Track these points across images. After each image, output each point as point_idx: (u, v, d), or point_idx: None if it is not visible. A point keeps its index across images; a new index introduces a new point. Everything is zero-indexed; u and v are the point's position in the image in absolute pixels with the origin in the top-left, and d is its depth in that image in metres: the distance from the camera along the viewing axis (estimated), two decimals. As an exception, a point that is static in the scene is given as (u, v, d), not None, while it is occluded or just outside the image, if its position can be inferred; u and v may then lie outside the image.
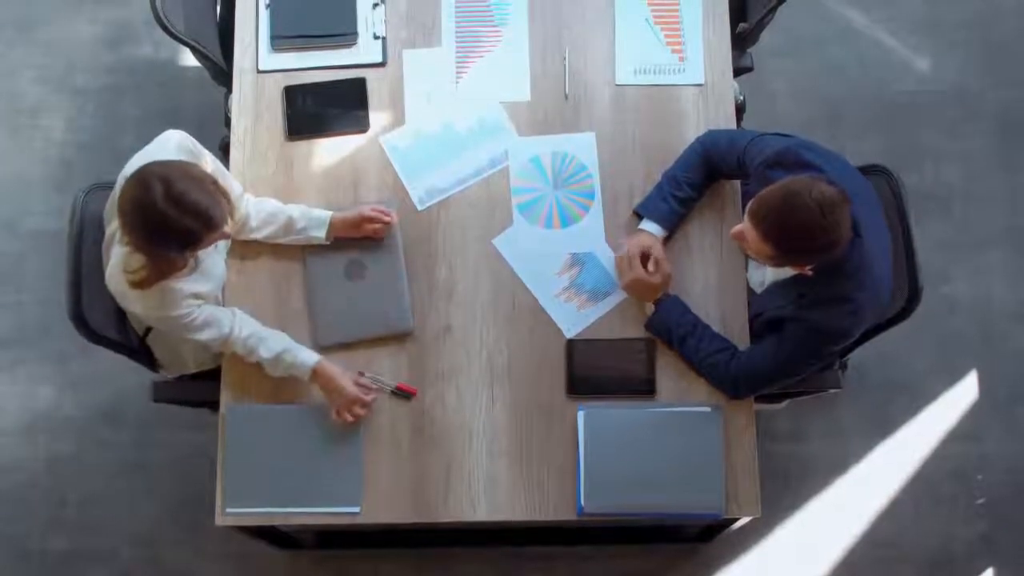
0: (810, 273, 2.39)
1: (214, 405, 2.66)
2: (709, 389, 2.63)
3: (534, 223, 2.76)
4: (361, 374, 2.61)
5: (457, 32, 2.90)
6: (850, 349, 2.65)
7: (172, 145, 2.44)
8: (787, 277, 2.50)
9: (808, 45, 3.78)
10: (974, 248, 3.58)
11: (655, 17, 2.91)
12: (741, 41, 3.01)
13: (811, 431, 3.42)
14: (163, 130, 2.50)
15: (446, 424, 2.63)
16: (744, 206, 2.40)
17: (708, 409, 2.61)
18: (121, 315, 2.65)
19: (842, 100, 3.72)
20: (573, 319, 2.69)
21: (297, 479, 2.58)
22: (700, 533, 3.24)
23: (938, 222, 3.59)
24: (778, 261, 2.37)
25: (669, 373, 2.65)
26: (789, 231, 2.26)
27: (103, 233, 2.53)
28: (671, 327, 2.63)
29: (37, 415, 3.44)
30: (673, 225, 2.70)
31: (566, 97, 2.85)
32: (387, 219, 2.67)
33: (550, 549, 3.31)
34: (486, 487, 2.59)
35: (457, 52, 2.88)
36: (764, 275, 2.64)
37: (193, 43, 2.84)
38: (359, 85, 2.85)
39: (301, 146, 2.81)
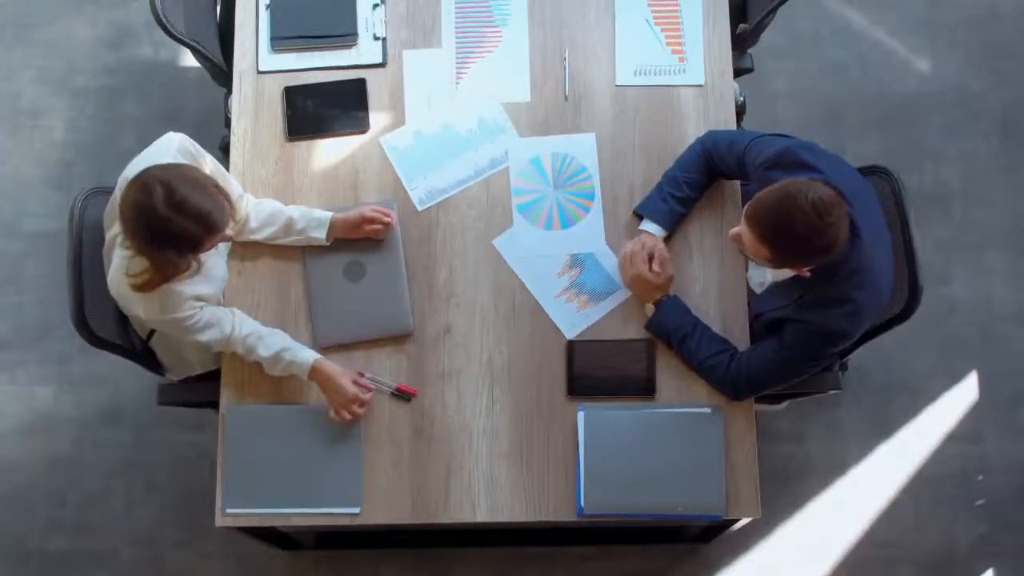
0: (808, 274, 2.39)
1: (218, 406, 2.66)
2: (709, 390, 2.63)
3: (534, 224, 2.76)
4: (361, 374, 2.61)
5: (457, 33, 2.90)
6: (850, 350, 2.64)
7: (173, 148, 2.43)
8: (787, 278, 2.49)
9: (808, 45, 3.78)
10: (974, 249, 3.58)
11: (655, 18, 2.91)
12: (741, 42, 3.01)
13: (811, 432, 3.42)
14: (163, 131, 2.50)
15: (446, 425, 2.63)
16: (744, 206, 2.40)
17: (708, 410, 2.61)
18: (124, 320, 2.64)
19: (842, 100, 3.72)
20: (573, 320, 2.69)
21: (297, 480, 2.58)
22: (700, 533, 3.24)
23: (938, 222, 3.59)
24: (776, 263, 2.37)
25: (669, 374, 2.65)
26: (785, 234, 2.26)
27: (103, 238, 2.52)
28: (671, 328, 2.62)
29: (37, 416, 3.44)
30: (673, 225, 2.70)
31: (566, 98, 2.85)
32: (387, 220, 2.67)
33: (550, 549, 3.31)
34: (486, 487, 2.59)
35: (457, 53, 2.88)
36: (764, 276, 2.64)
37: (193, 44, 2.84)
38: (359, 86, 2.85)
39: (301, 147, 2.81)
